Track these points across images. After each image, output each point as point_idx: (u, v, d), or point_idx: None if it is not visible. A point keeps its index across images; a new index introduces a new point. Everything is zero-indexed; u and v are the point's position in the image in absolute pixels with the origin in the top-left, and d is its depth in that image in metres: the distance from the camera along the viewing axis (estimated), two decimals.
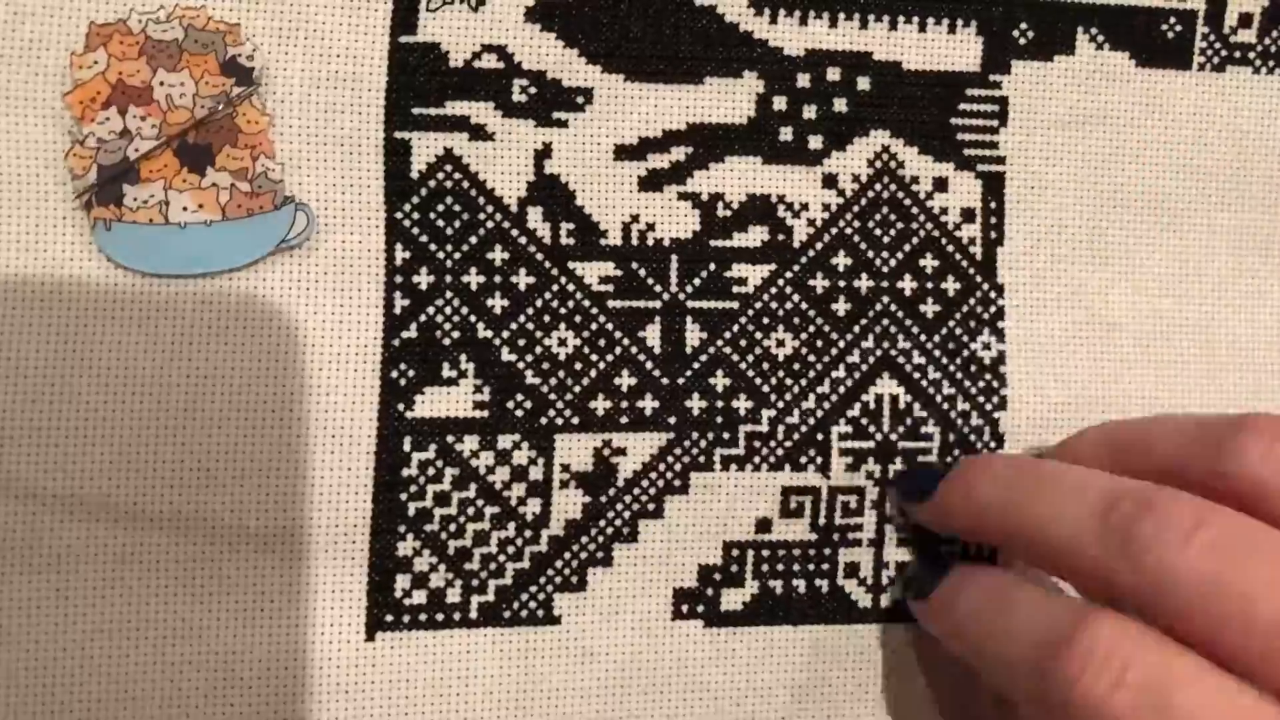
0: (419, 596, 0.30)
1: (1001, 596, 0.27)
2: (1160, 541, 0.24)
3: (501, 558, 0.31)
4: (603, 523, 0.31)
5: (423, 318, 0.31)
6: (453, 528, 0.30)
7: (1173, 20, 0.34)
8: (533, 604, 0.31)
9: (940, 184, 0.33)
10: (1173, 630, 0.24)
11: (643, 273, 0.32)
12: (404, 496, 0.30)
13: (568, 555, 0.31)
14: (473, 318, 0.31)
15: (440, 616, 0.30)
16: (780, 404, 0.32)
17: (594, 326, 0.31)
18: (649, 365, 0.32)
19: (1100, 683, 0.23)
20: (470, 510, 0.31)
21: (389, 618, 0.30)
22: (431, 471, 0.30)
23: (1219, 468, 0.26)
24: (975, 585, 0.29)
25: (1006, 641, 0.26)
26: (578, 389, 0.31)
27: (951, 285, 0.33)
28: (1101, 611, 0.25)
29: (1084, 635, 0.24)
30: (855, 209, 0.33)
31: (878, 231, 0.33)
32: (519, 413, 0.31)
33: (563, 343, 0.31)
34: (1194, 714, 0.23)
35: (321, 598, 0.29)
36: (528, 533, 0.31)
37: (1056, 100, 0.34)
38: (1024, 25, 0.33)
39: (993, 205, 0.33)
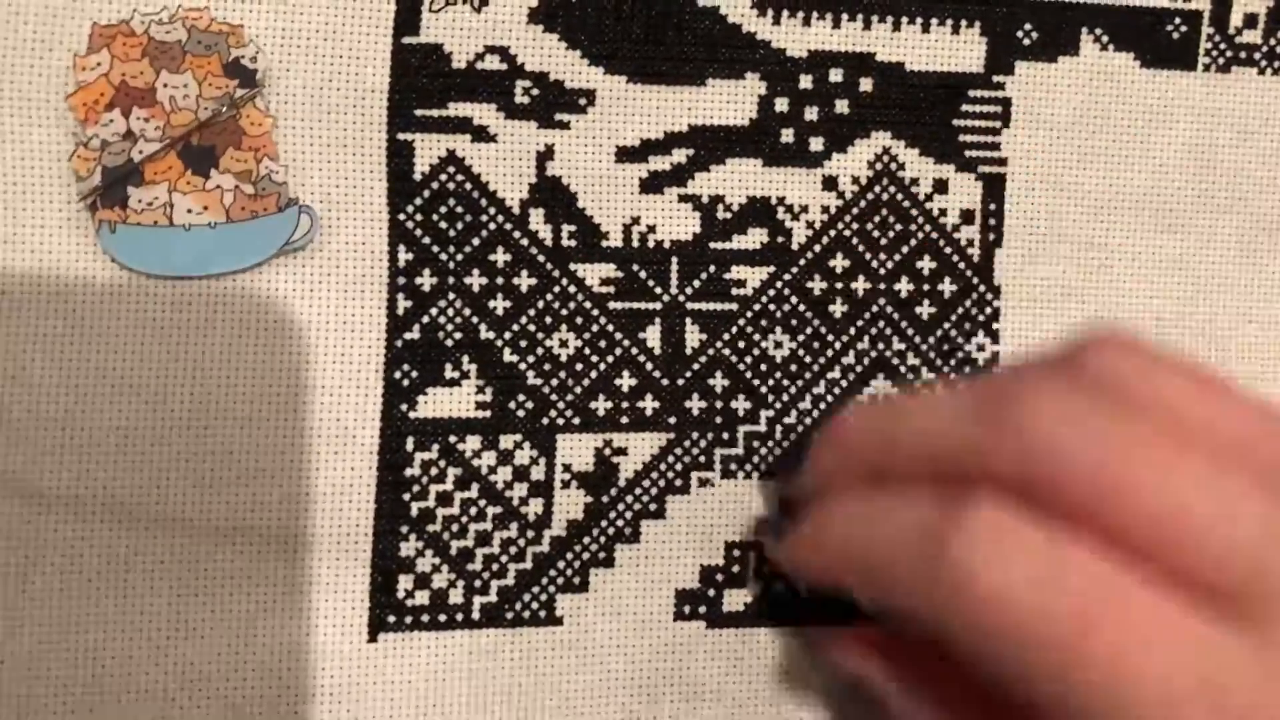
0: (421, 597, 0.30)
1: (872, 504, 0.26)
2: (1037, 405, 0.23)
3: (504, 558, 0.31)
4: (604, 523, 0.31)
5: (425, 319, 0.31)
6: (455, 528, 0.31)
7: (1178, 21, 0.34)
8: (535, 605, 0.31)
9: (940, 185, 0.33)
10: (1049, 512, 0.23)
11: (643, 275, 0.32)
12: (406, 497, 0.30)
13: (570, 555, 0.31)
14: (475, 319, 0.31)
15: (443, 617, 0.30)
16: (778, 405, 0.32)
17: (595, 328, 0.32)
18: (649, 366, 0.32)
19: (992, 559, 0.22)
20: (473, 510, 0.31)
21: (391, 618, 0.30)
22: (434, 472, 0.31)
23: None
24: (841, 505, 0.27)
25: (886, 541, 0.25)
26: (579, 389, 0.31)
27: (948, 287, 0.33)
28: (979, 492, 0.23)
29: (969, 515, 0.23)
30: (854, 211, 0.33)
31: (876, 234, 0.33)
32: (521, 413, 0.31)
33: (564, 344, 0.31)
34: (1081, 586, 0.22)
35: (324, 598, 0.30)
36: (530, 533, 0.31)
37: (1060, 101, 0.34)
38: (1028, 26, 0.33)
39: (992, 207, 0.33)
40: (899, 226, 0.33)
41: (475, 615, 0.31)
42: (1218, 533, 0.22)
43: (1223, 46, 0.34)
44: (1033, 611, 0.22)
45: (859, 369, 0.33)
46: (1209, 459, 0.23)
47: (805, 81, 0.32)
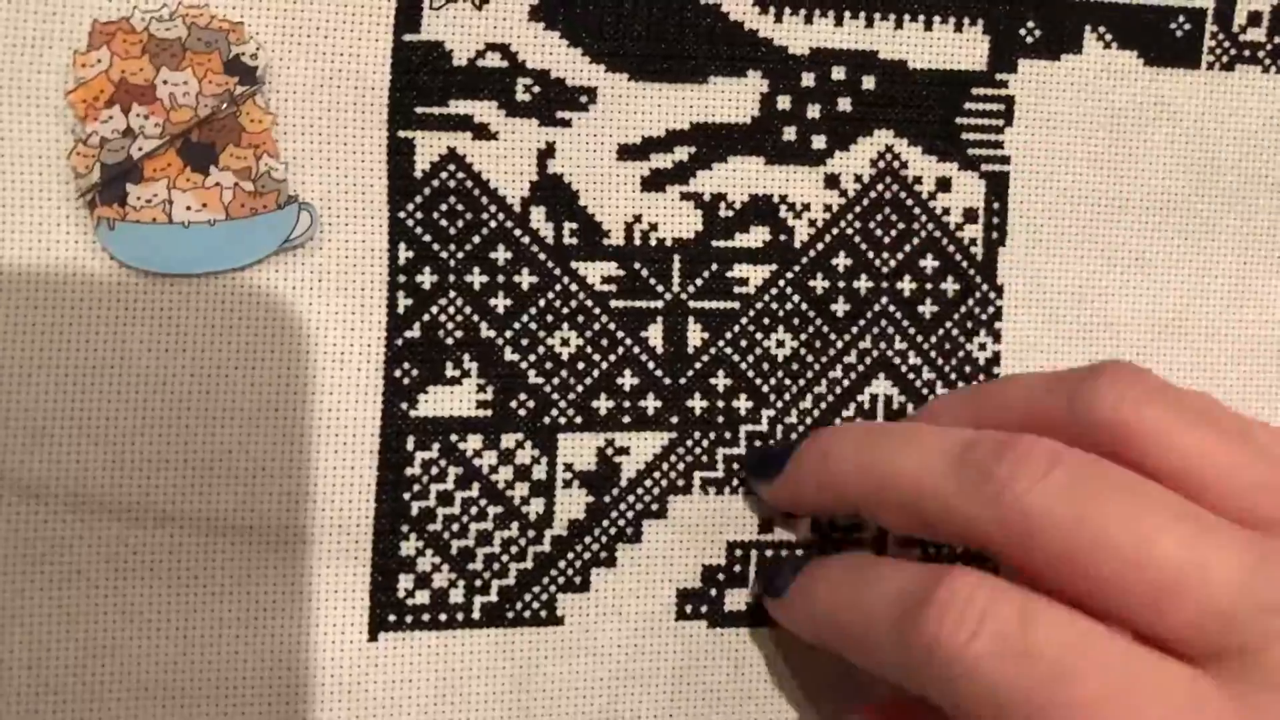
0: (422, 596, 0.30)
1: (858, 572, 0.27)
2: (1016, 479, 0.24)
3: (505, 558, 0.31)
4: (606, 522, 0.31)
5: (426, 317, 0.31)
6: (456, 527, 0.31)
7: (1181, 19, 0.34)
8: (536, 604, 0.31)
9: (943, 184, 0.33)
10: (1032, 577, 0.24)
11: (645, 273, 0.32)
12: (407, 496, 0.30)
13: (571, 555, 0.31)
14: (476, 317, 0.31)
15: (443, 617, 0.30)
16: (779, 404, 0.32)
17: (596, 326, 0.31)
18: (651, 365, 0.32)
19: (960, 632, 0.23)
20: (473, 510, 0.31)
21: (392, 618, 0.30)
22: (434, 471, 0.30)
23: (1074, 414, 0.25)
24: (832, 567, 0.29)
25: (866, 612, 0.26)
26: (580, 388, 0.31)
27: (951, 286, 0.33)
28: (957, 567, 0.24)
29: (940, 589, 0.24)
30: (857, 209, 0.33)
31: (879, 232, 0.33)
32: (522, 412, 0.31)
33: (565, 342, 0.31)
34: (1052, 653, 0.23)
35: (324, 597, 0.30)
36: (531, 532, 0.31)
37: (1063, 100, 0.33)
38: (1031, 24, 0.33)
39: (996, 205, 0.33)
40: (901, 225, 0.33)
41: (476, 615, 0.30)
42: (1192, 592, 0.23)
43: (1226, 45, 0.34)
44: (999, 680, 0.23)
45: (861, 368, 0.33)
46: (1194, 518, 0.24)
47: (807, 79, 0.32)
